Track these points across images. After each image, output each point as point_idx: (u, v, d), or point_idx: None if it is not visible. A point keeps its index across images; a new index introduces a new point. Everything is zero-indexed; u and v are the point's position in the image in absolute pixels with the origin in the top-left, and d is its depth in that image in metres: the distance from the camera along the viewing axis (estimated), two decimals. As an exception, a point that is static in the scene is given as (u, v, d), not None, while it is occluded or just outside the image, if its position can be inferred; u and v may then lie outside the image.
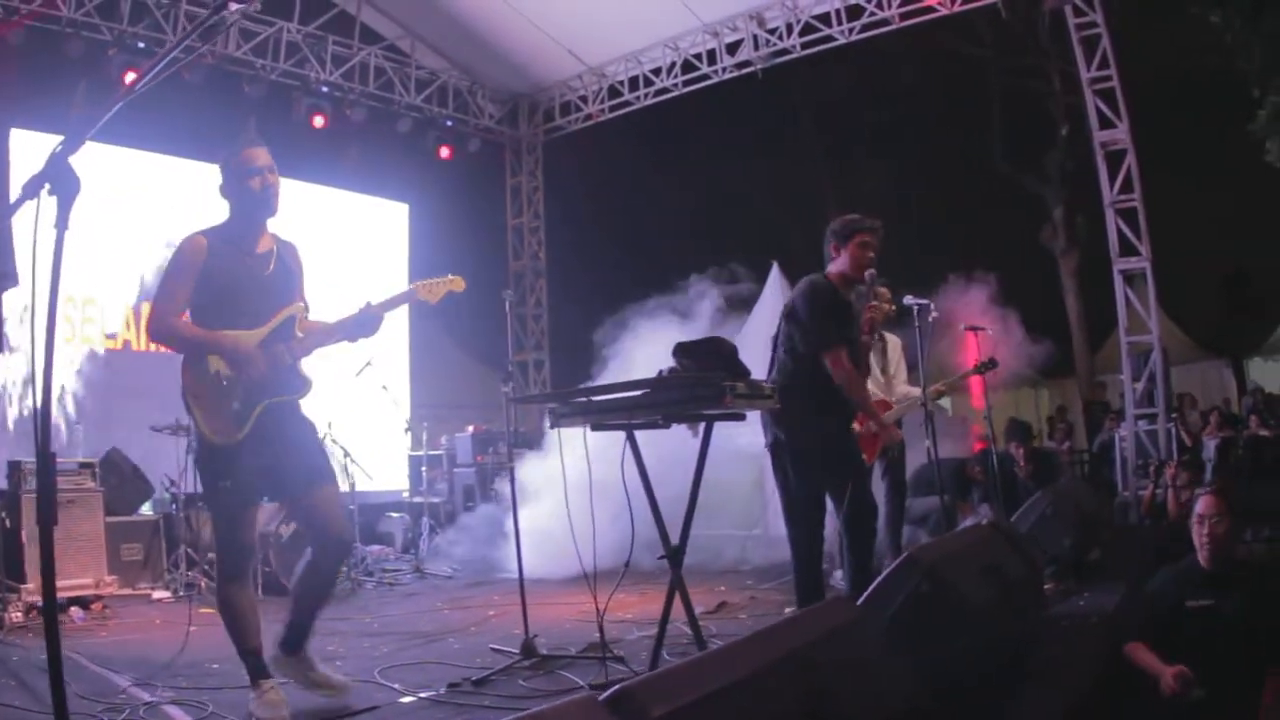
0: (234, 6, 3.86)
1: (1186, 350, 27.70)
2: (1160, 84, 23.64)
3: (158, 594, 10.80)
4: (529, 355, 20.76)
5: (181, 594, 10.66)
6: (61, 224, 3.03)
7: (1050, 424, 24.68)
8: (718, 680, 2.68)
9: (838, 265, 7.58)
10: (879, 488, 10.20)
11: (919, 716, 3.62)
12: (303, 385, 5.93)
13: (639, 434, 6.37)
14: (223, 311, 5.67)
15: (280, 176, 16.24)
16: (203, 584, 10.83)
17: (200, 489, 6.25)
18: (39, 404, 3.06)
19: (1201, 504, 5.80)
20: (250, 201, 5.82)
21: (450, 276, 6.28)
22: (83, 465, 10.83)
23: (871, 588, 4.64)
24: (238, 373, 5.62)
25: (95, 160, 13.95)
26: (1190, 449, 16.05)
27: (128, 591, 10.61)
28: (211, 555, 11.01)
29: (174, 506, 11.49)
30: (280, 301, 5.88)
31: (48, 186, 3.06)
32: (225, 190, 5.86)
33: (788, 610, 8.33)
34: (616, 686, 2.41)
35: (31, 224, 3.01)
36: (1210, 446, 15.67)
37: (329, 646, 7.73)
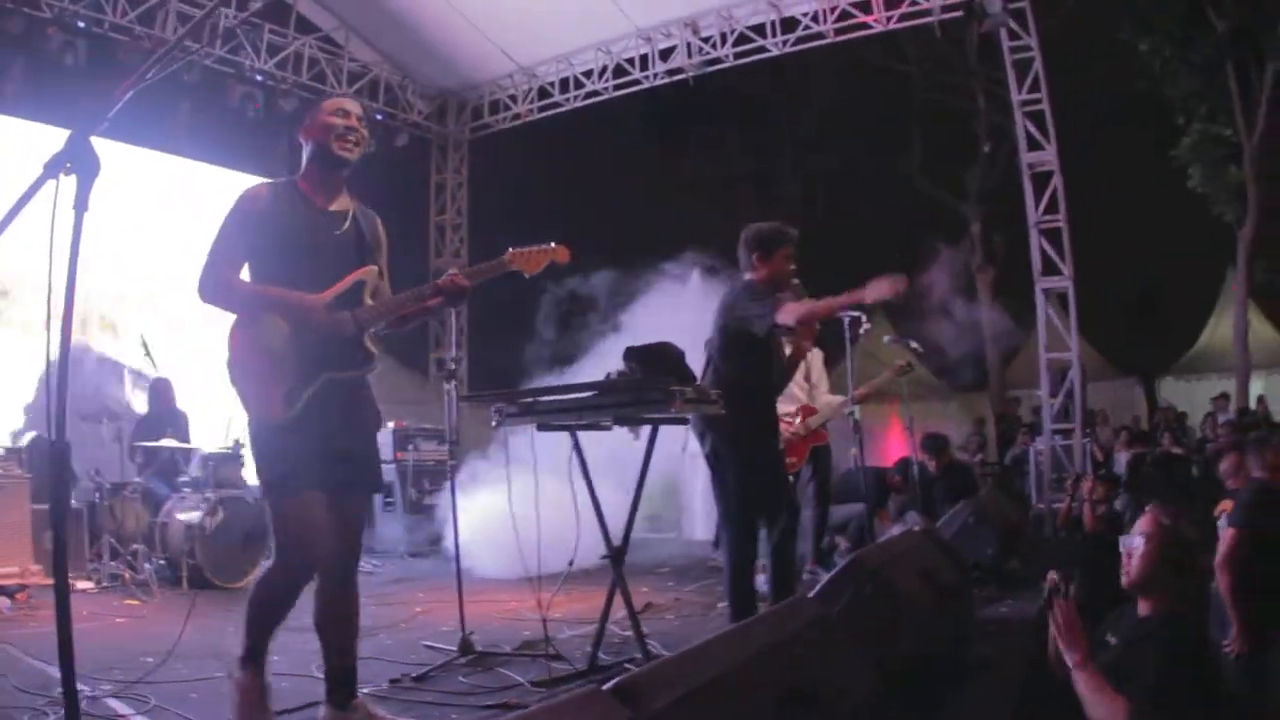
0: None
1: (1099, 368, 28.12)
2: (1081, 106, 24.02)
3: (81, 584, 10.54)
4: (445, 352, 20.72)
5: (105, 585, 10.56)
6: (81, 205, 2.98)
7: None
8: (708, 672, 2.80)
9: (759, 276, 7.37)
10: (805, 492, 10.38)
11: (877, 707, 3.75)
12: (365, 361, 5.23)
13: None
14: (282, 269, 5.04)
15: (210, 165, 16.07)
16: (126, 575, 10.66)
17: (259, 478, 5.15)
18: (54, 391, 3.07)
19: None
20: (328, 141, 5.15)
21: (552, 245, 5.58)
22: (9, 451, 10.76)
23: (819, 587, 4.74)
24: (297, 337, 4.98)
25: (18, 139, 13.84)
26: (1103, 464, 16.36)
27: (50, 581, 10.49)
28: (136, 546, 10.95)
29: (97, 496, 11.26)
30: (351, 266, 5.22)
31: (67, 165, 3.04)
32: (304, 132, 5.24)
33: (720, 605, 8.41)
34: (617, 679, 2.49)
35: (50, 205, 3.02)
36: (1122, 462, 15.97)
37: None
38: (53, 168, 3.00)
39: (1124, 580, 4.79)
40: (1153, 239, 29.44)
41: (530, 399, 6.65)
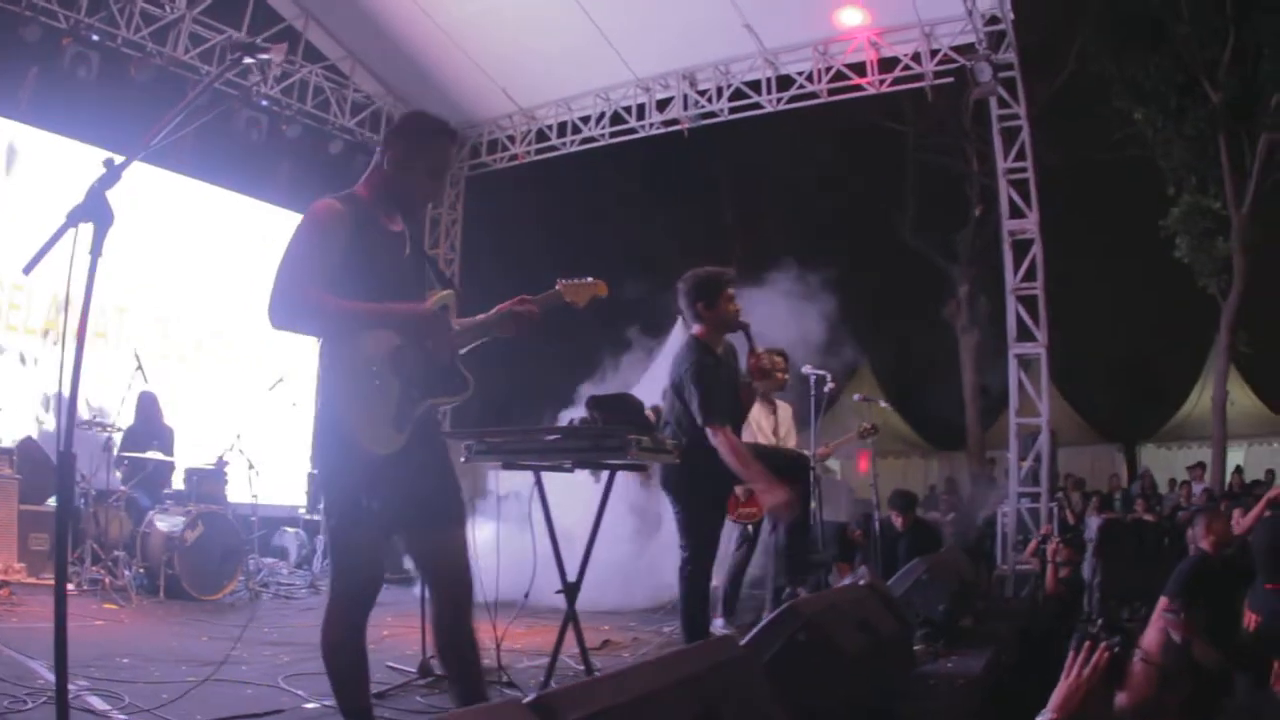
0: (253, 59, 4.13)
1: (1080, 433, 28.43)
2: (1073, 172, 24.33)
3: (63, 586, 10.92)
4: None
5: (86, 588, 10.82)
6: (96, 251, 3.40)
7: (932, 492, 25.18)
8: (622, 695, 3.05)
9: (705, 326, 7.52)
10: (767, 543, 10.63)
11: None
12: (463, 385, 4.93)
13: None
14: (360, 295, 4.60)
15: (214, 186, 16.26)
16: (106, 580, 10.93)
17: (323, 504, 4.88)
18: (64, 411, 3.42)
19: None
20: (417, 201, 5.03)
21: (593, 279, 5.45)
22: (1, 451, 11.05)
23: (753, 633, 4.99)
24: (398, 359, 4.65)
25: (40, 150, 14.11)
26: (1072, 528, 16.57)
27: (33, 580, 10.73)
28: (117, 553, 11.23)
29: (83, 502, 11.44)
30: (420, 290, 4.99)
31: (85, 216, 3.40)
32: (404, 146, 4.90)
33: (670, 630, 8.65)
34: (537, 694, 2.77)
35: (69, 249, 3.37)
36: (1093, 526, 16.18)
37: (233, 651, 8.00)
38: (73, 218, 3.36)
39: (1117, 701, 4.13)
40: (1141, 307, 29.62)
41: (498, 439, 6.93)
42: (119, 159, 3.55)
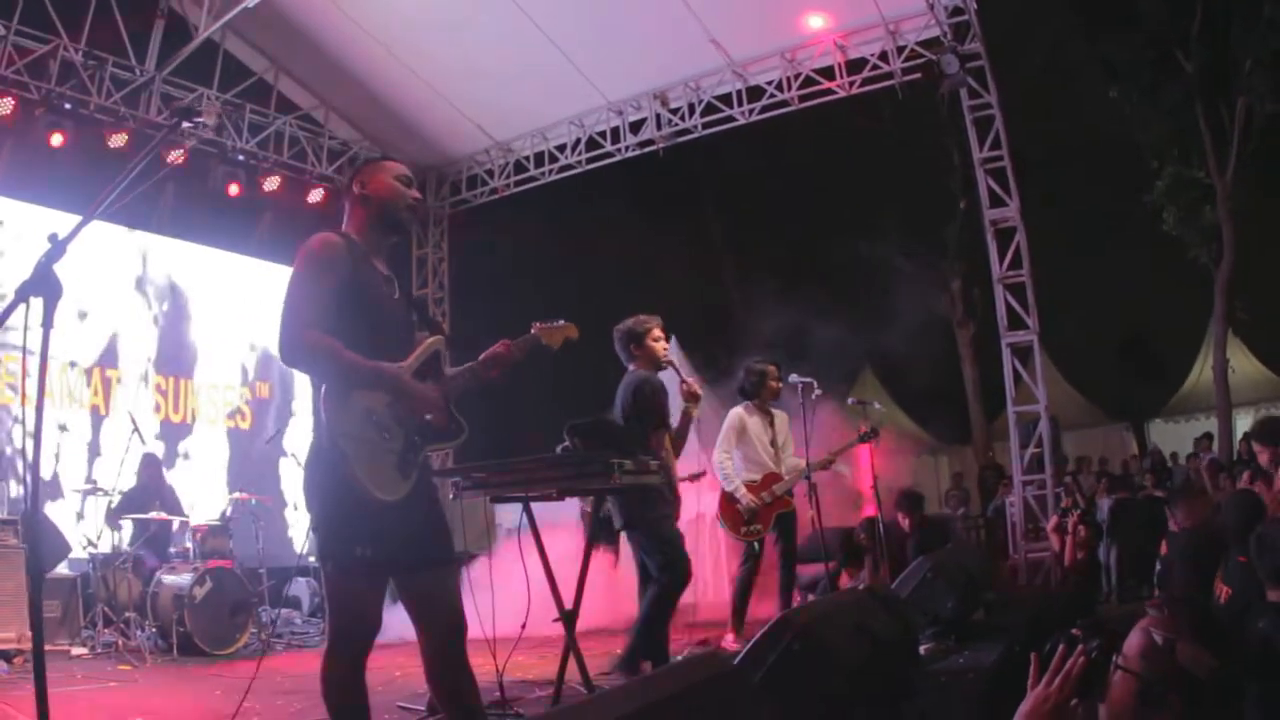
0: (190, 123, 4.21)
1: (1088, 415, 28.37)
2: (1058, 155, 24.38)
3: (76, 650, 11.01)
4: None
5: (99, 651, 11.00)
6: (47, 324, 3.46)
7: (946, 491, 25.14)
8: (610, 714, 3.05)
9: (639, 364, 8.53)
10: (771, 555, 10.69)
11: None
12: (458, 431, 4.96)
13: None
14: (357, 334, 4.62)
15: (193, 244, 16.33)
16: (120, 642, 11.07)
17: (318, 550, 4.72)
18: (29, 478, 3.49)
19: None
20: (398, 205, 4.96)
21: (564, 322, 5.54)
22: (4, 522, 11.09)
23: (748, 647, 5.00)
24: (396, 413, 4.67)
25: (16, 219, 14.11)
26: (1086, 510, 16.51)
27: (46, 647, 10.76)
28: (128, 614, 11.33)
29: (90, 566, 11.71)
30: (410, 332, 5.04)
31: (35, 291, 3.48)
32: (361, 186, 4.98)
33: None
34: (525, 715, 2.80)
35: (22, 322, 3.49)
36: (1104, 507, 16.12)
37: (245, 704, 8.03)
38: (22, 293, 3.44)
39: (1101, 714, 3.37)
40: (1136, 284, 29.58)
41: (483, 473, 6.98)
42: (63, 234, 3.59)
